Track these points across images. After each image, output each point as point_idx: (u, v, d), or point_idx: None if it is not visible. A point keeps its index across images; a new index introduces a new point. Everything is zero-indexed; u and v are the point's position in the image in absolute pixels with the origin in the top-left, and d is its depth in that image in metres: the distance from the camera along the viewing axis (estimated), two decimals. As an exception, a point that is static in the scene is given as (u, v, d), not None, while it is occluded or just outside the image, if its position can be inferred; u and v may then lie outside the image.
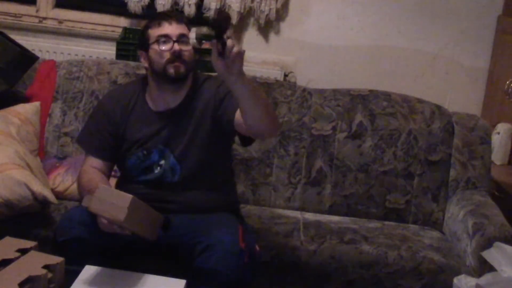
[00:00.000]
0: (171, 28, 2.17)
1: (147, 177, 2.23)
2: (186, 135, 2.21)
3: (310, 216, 2.74)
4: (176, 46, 2.15)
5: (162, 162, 2.21)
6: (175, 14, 2.27)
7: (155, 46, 2.18)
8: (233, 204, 2.35)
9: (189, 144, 2.21)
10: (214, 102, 2.21)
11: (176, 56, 2.15)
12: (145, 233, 2.00)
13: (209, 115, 2.22)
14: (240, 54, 1.81)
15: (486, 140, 2.86)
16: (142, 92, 2.28)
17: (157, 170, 2.22)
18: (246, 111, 1.97)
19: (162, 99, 2.25)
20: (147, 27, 2.23)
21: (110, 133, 2.24)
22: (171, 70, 2.16)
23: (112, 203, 1.87)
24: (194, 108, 2.23)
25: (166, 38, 2.16)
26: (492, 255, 2.23)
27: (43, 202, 2.34)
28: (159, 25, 2.18)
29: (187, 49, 2.17)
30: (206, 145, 2.22)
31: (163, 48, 2.16)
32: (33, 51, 2.94)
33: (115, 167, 2.35)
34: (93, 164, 2.23)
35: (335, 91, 2.92)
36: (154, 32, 2.19)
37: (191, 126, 2.22)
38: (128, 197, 1.88)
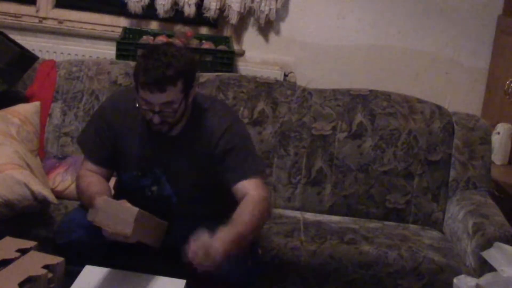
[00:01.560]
0: (153, 97, 1.95)
1: (139, 197, 2.14)
2: (183, 167, 2.13)
3: (310, 216, 2.74)
4: (156, 119, 1.99)
5: (154, 188, 2.15)
6: (158, 79, 1.93)
7: (139, 102, 2.01)
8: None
9: (185, 172, 2.13)
10: (215, 149, 2.09)
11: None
12: (150, 241, 2.00)
13: (209, 156, 2.11)
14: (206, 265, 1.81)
15: (486, 140, 2.86)
16: None
17: (149, 194, 2.16)
18: None
19: None
20: (135, 70, 1.99)
21: (110, 142, 2.17)
22: (153, 128, 2.05)
23: (118, 216, 1.85)
24: (195, 139, 2.12)
25: (148, 104, 1.98)
26: (492, 255, 2.23)
27: (43, 202, 2.33)
28: (141, 87, 1.96)
29: (170, 116, 2.00)
30: (205, 174, 2.14)
31: (145, 111, 2.01)
32: (33, 51, 2.95)
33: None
34: (92, 169, 2.18)
35: (335, 91, 2.92)
36: (139, 89, 1.98)
37: (190, 157, 2.13)
38: (134, 210, 1.86)
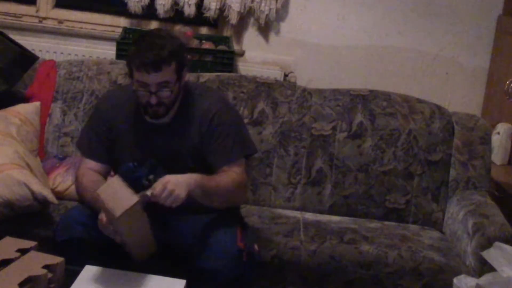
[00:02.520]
0: (149, 78, 2.03)
1: (138, 187, 2.18)
2: (180, 151, 2.17)
3: (310, 216, 2.74)
4: (153, 100, 2.06)
5: (151, 176, 2.15)
6: (154, 59, 2.02)
7: (135, 85, 2.08)
8: None
9: (182, 160, 2.17)
10: (206, 130, 2.17)
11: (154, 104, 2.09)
12: (133, 248, 1.99)
13: (201, 137, 2.17)
14: (171, 198, 1.93)
15: (486, 140, 2.86)
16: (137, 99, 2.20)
17: (146, 184, 2.15)
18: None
19: None
20: (129, 56, 2.08)
21: (107, 136, 2.21)
22: (149, 111, 2.11)
23: (118, 197, 1.87)
24: (187, 124, 2.18)
25: (145, 86, 2.05)
26: (492, 255, 2.22)
27: (43, 202, 2.33)
28: (137, 70, 2.03)
29: (166, 95, 2.07)
30: (200, 160, 2.18)
31: (141, 94, 2.07)
32: (33, 51, 2.95)
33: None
34: (91, 167, 2.21)
35: (335, 91, 2.92)
36: (134, 71, 2.06)
37: (184, 145, 2.17)
38: (134, 199, 1.87)
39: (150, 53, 2.01)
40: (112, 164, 2.25)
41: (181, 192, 1.94)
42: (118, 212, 1.85)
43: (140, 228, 1.97)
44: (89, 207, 2.09)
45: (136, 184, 2.17)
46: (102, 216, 1.95)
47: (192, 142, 2.18)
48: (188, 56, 3.31)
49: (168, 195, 1.93)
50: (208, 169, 2.15)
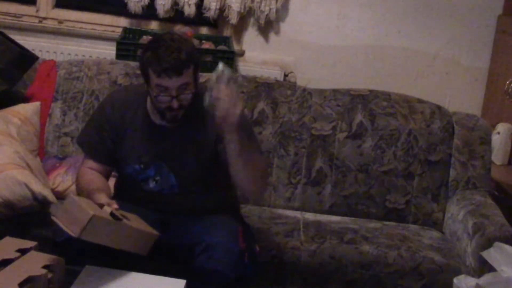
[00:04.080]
0: (170, 82, 2.01)
1: (143, 187, 2.20)
2: (187, 153, 2.17)
3: (310, 216, 2.74)
4: (175, 104, 2.04)
5: (158, 177, 2.17)
6: (174, 64, 2.00)
7: (155, 91, 2.05)
8: (233, 205, 2.35)
9: (189, 161, 2.17)
10: (216, 129, 2.10)
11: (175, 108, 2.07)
12: (130, 249, 1.97)
13: (209, 136, 2.15)
14: (231, 114, 1.90)
15: (486, 140, 2.86)
16: (144, 101, 2.20)
17: (153, 185, 2.18)
18: (233, 169, 2.03)
19: None
20: (147, 62, 2.03)
21: (110, 138, 2.20)
22: (167, 116, 2.10)
23: (74, 215, 1.82)
24: (194, 125, 2.16)
25: (166, 90, 2.03)
26: (492, 255, 2.22)
27: (43, 202, 2.33)
28: (158, 75, 2.01)
29: (187, 98, 2.07)
30: (207, 161, 2.18)
31: (162, 99, 2.05)
32: (33, 51, 2.94)
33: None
34: (92, 167, 2.21)
35: (335, 91, 2.92)
36: (153, 77, 2.03)
37: (191, 143, 2.17)
38: (88, 213, 1.81)
39: (169, 57, 1.99)
40: (115, 165, 2.25)
41: (237, 111, 1.93)
42: (75, 231, 1.80)
43: (121, 233, 1.93)
44: None
45: (141, 186, 2.19)
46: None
47: (200, 146, 2.16)
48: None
49: (229, 104, 1.92)
50: (217, 170, 2.15)
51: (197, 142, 2.17)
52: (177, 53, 2.00)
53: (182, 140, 2.17)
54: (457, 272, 2.37)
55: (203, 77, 2.87)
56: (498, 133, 3.32)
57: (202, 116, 2.12)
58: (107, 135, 2.20)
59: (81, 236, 1.80)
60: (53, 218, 1.85)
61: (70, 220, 1.82)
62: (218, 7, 3.54)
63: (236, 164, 2.02)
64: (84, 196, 2.10)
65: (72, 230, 1.80)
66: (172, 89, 2.03)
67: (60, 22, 3.71)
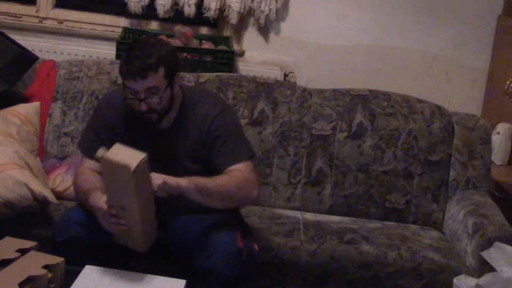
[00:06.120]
0: (136, 85, 2.05)
1: None
2: (178, 157, 2.18)
3: (310, 216, 2.74)
4: (143, 107, 2.07)
5: None
6: (139, 67, 2.03)
7: (125, 93, 2.10)
8: None
9: (181, 165, 2.18)
10: (206, 135, 2.17)
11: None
12: (138, 233, 1.97)
13: (201, 142, 2.17)
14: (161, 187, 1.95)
15: (486, 140, 2.86)
16: None
17: None
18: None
19: None
20: (119, 65, 2.10)
21: (108, 137, 2.19)
22: (143, 118, 2.12)
23: (127, 153, 1.88)
24: (186, 131, 2.19)
25: (134, 93, 2.07)
26: (492, 255, 2.23)
27: (43, 202, 2.34)
28: (125, 78, 2.07)
29: (156, 102, 2.08)
30: (201, 161, 2.19)
31: (130, 102, 2.10)
32: (33, 51, 2.94)
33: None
34: (90, 166, 2.20)
35: (335, 91, 2.92)
36: (123, 78, 2.08)
37: (184, 148, 2.18)
38: (143, 154, 1.88)
39: (136, 61, 2.03)
40: None
41: (155, 184, 1.96)
42: (133, 163, 1.84)
43: (147, 197, 1.96)
44: (85, 207, 2.10)
45: None
46: (101, 204, 1.95)
47: (192, 147, 2.18)
48: (188, 56, 3.32)
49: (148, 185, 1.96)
50: (210, 173, 2.14)
51: (190, 143, 2.18)
52: (145, 58, 2.03)
53: (176, 140, 2.18)
54: (457, 272, 2.37)
55: (203, 76, 2.88)
56: (498, 133, 3.32)
57: (194, 119, 2.17)
58: (104, 135, 2.21)
59: (134, 172, 1.84)
60: (104, 158, 1.88)
61: (123, 157, 1.87)
62: (218, 7, 3.54)
63: (204, 203, 2.07)
64: (81, 196, 2.11)
65: (128, 163, 1.85)
66: (140, 92, 2.05)
67: (60, 22, 3.70)
